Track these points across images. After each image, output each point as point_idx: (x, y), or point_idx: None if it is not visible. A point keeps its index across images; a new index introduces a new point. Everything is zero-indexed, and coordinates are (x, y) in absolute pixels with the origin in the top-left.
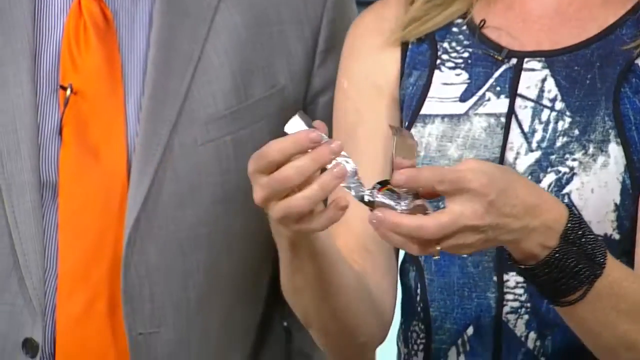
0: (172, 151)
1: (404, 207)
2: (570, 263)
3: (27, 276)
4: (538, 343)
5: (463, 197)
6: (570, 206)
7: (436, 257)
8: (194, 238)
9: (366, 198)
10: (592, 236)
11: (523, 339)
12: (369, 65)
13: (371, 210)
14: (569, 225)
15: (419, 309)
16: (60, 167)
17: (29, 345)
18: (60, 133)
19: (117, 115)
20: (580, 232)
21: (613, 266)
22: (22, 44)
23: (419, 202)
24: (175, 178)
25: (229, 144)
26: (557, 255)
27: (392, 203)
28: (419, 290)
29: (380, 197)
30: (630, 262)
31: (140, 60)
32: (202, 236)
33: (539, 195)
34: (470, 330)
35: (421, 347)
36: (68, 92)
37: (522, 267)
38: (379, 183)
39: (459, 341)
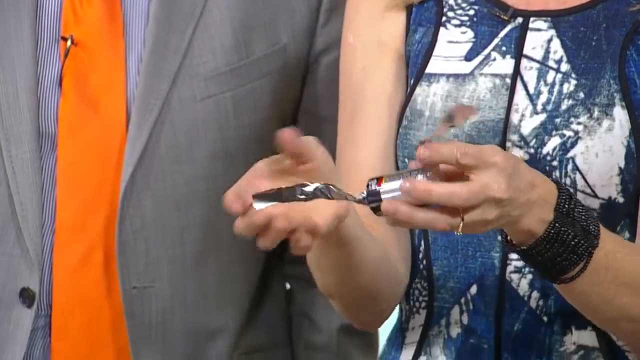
0: (170, 106)
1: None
2: (568, 235)
3: (24, 226)
4: (541, 302)
5: (488, 170)
6: (558, 181)
7: (458, 233)
8: (191, 193)
9: (359, 196)
10: (582, 207)
11: (526, 298)
12: (374, 22)
13: (375, 214)
14: (560, 198)
15: (421, 266)
16: (59, 118)
17: (25, 295)
18: (60, 84)
19: (118, 67)
20: (572, 205)
21: (606, 237)
22: None
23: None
24: (173, 132)
25: (228, 100)
26: (554, 229)
27: (397, 189)
28: (422, 248)
29: (385, 187)
30: (633, 224)
31: (143, 14)
32: (199, 192)
33: (532, 171)
34: (473, 289)
35: (423, 304)
36: (69, 43)
37: (524, 247)
38: (372, 179)
39: (462, 300)
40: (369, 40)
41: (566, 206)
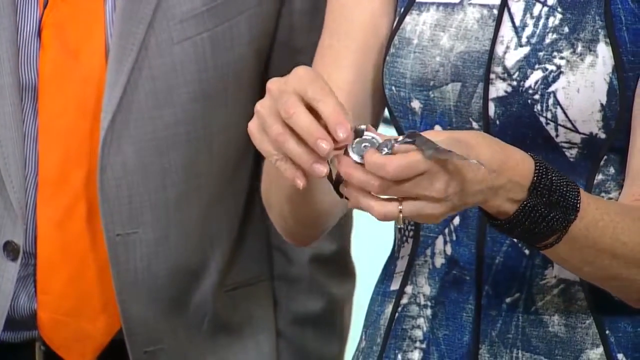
0: (147, 50)
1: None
2: (541, 213)
3: (7, 179)
4: None
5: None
6: (538, 157)
7: (399, 226)
8: (171, 137)
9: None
10: (563, 182)
11: None
12: None
13: None
14: (535, 178)
15: None
16: (40, 69)
17: (9, 248)
18: (40, 35)
19: (97, 16)
20: (548, 183)
21: (589, 208)
22: None
23: (442, 150)
24: (152, 77)
25: (206, 41)
26: (526, 208)
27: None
28: None
29: (398, 145)
30: (618, 159)
31: None
32: (179, 135)
33: (504, 154)
34: (456, 220)
35: (411, 233)
36: None
37: (496, 222)
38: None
39: (446, 230)
40: None
41: (541, 185)
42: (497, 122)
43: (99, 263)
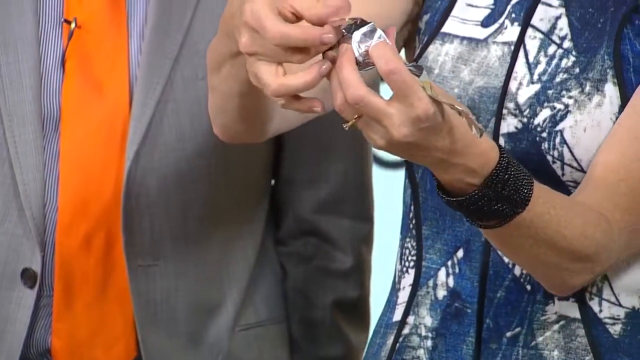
0: (173, 84)
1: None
2: (489, 203)
3: (26, 206)
4: (525, 271)
5: (404, 107)
6: (505, 150)
7: (344, 126)
8: (193, 169)
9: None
10: (520, 176)
11: (510, 265)
12: None
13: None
14: (494, 171)
15: (411, 226)
16: (62, 99)
17: (27, 276)
18: (63, 66)
19: (120, 49)
20: (505, 176)
21: (537, 202)
22: None
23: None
24: (177, 111)
25: None
26: (476, 195)
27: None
28: (412, 207)
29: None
30: None
31: None
32: (201, 168)
33: (471, 143)
34: (460, 253)
35: (412, 264)
36: (72, 25)
37: (444, 197)
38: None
39: (449, 262)
40: None
41: (497, 178)
42: None
43: (117, 293)
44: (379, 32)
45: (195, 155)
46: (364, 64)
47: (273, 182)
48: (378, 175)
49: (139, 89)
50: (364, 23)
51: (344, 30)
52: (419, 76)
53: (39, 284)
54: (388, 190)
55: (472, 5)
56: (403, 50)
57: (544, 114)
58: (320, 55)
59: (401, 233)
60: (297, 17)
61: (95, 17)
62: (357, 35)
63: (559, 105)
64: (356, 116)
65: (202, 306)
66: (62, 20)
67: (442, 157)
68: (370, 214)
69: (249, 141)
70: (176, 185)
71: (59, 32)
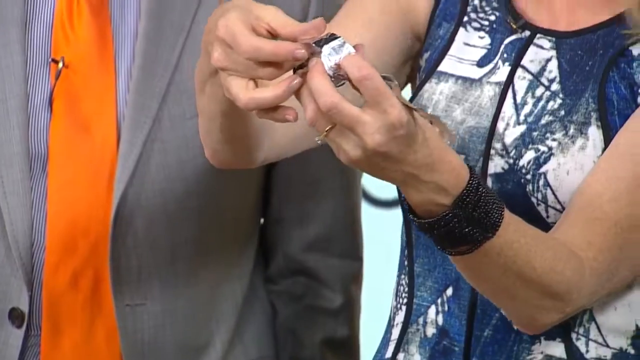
0: (161, 123)
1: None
2: (460, 225)
3: (14, 246)
4: None
5: (377, 113)
6: (472, 168)
7: (317, 140)
8: (181, 210)
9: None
10: (490, 199)
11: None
12: None
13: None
14: (465, 191)
15: (405, 262)
16: (50, 139)
17: (15, 315)
18: (51, 105)
19: (108, 88)
20: (476, 197)
21: (508, 228)
22: (13, 14)
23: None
24: (164, 151)
25: None
26: (447, 216)
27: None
28: (405, 244)
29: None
30: None
31: (131, 31)
32: (190, 209)
33: (442, 155)
34: (449, 291)
35: (405, 301)
36: (60, 65)
37: (415, 219)
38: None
39: (439, 300)
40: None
41: (468, 199)
42: None
43: (105, 332)
44: (349, 46)
45: (184, 196)
46: (334, 78)
47: (262, 220)
48: (368, 213)
49: (127, 128)
50: (333, 37)
51: (313, 45)
52: (391, 86)
53: (26, 323)
54: (378, 228)
55: (469, 45)
56: (409, 86)
57: (529, 155)
58: (292, 71)
59: (398, 270)
60: (272, 35)
61: (83, 56)
62: (326, 48)
63: (542, 148)
64: (329, 127)
65: (191, 345)
66: (50, 59)
67: (414, 173)
68: (359, 252)
69: (238, 166)
70: (164, 225)
71: (46, 72)
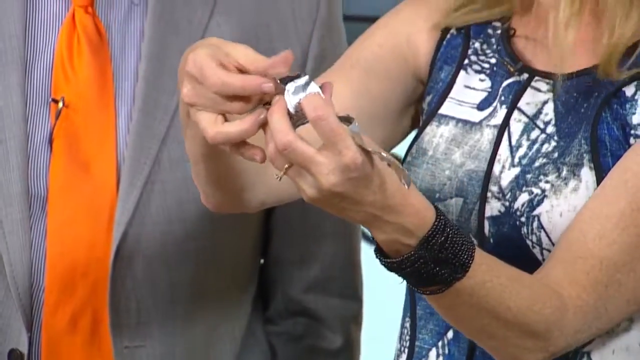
0: (160, 165)
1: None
2: (427, 266)
3: (13, 287)
4: None
5: (332, 154)
6: (442, 213)
7: (275, 177)
8: (181, 252)
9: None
10: (459, 240)
11: None
12: (410, 25)
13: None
14: (430, 232)
15: (409, 305)
16: (50, 179)
17: (14, 356)
18: (51, 145)
19: (108, 129)
20: (442, 238)
21: (479, 269)
22: (13, 55)
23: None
24: (164, 192)
25: None
26: (412, 257)
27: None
28: (408, 287)
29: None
30: None
31: (132, 73)
32: (189, 251)
33: (406, 197)
34: (450, 334)
35: (407, 344)
36: (60, 105)
37: (382, 258)
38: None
39: (440, 343)
40: (396, 32)
41: (434, 240)
42: (491, 240)
43: None
44: (314, 85)
45: (183, 238)
46: (297, 116)
47: (262, 261)
48: (367, 253)
49: (127, 170)
50: (299, 75)
51: (279, 82)
52: (348, 126)
53: None
54: (377, 268)
55: (469, 87)
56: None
57: (523, 198)
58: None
59: (403, 312)
60: (241, 72)
61: (83, 96)
62: (290, 86)
63: (536, 190)
64: (287, 165)
65: None
66: (50, 99)
67: (375, 213)
68: (359, 293)
69: (234, 210)
70: (163, 267)
71: (46, 112)
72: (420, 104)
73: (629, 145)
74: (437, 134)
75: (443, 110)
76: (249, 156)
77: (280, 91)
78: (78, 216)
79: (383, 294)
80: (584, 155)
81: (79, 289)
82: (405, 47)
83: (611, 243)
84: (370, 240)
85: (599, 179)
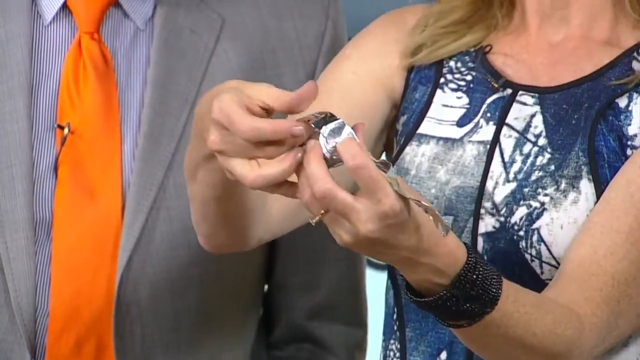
0: (165, 191)
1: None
2: (458, 304)
3: (17, 313)
4: None
5: (370, 202)
6: (472, 249)
7: (311, 221)
8: (185, 279)
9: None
10: (488, 275)
11: None
12: (381, 53)
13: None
14: (462, 271)
15: (395, 327)
16: (55, 205)
17: None
18: (56, 171)
19: (114, 155)
20: (474, 276)
21: (507, 301)
22: (19, 80)
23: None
24: (169, 218)
25: None
26: (444, 296)
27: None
28: (396, 309)
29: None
30: None
31: (137, 99)
32: (193, 277)
33: (438, 243)
34: (443, 355)
35: None
36: (65, 131)
37: (413, 298)
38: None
39: None
40: (368, 56)
41: (466, 279)
42: (486, 256)
43: None
44: (348, 128)
45: (188, 264)
46: (332, 160)
47: (266, 287)
48: (372, 278)
49: (132, 196)
50: (333, 118)
51: (312, 125)
52: (386, 172)
53: None
54: (382, 294)
55: (447, 106)
56: (384, 155)
57: (520, 212)
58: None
59: (384, 334)
60: (267, 112)
61: (89, 122)
62: (325, 130)
63: (535, 204)
64: (323, 211)
65: None
66: (56, 125)
67: (409, 256)
68: (364, 319)
69: (232, 250)
70: (168, 294)
71: (52, 138)
72: (393, 127)
73: (626, 156)
74: (419, 153)
75: (422, 129)
76: (292, 194)
77: (313, 135)
78: (83, 242)
79: None
80: (582, 167)
81: (83, 315)
82: (380, 71)
83: (622, 259)
84: (376, 265)
85: (598, 191)
